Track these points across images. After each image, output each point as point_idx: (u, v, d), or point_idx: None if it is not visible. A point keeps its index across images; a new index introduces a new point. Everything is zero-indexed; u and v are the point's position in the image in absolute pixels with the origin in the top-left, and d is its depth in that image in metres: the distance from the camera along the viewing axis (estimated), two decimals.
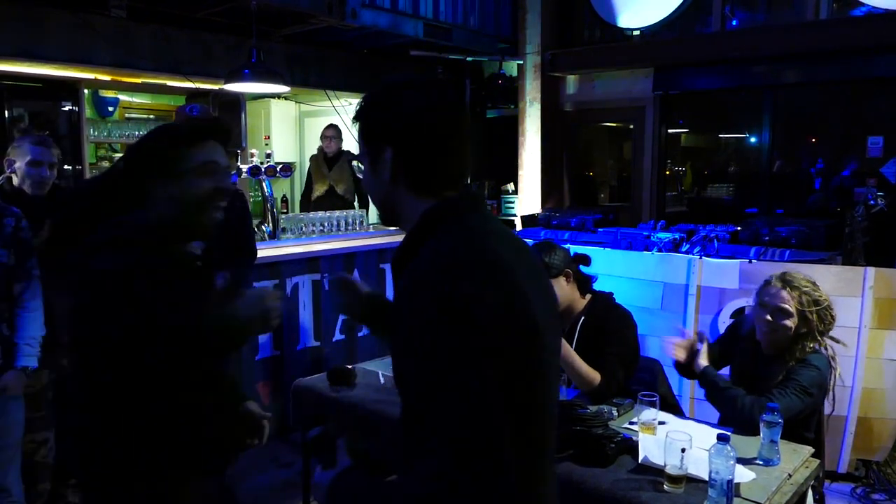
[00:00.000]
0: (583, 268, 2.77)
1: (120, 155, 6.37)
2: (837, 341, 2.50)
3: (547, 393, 1.11)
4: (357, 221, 5.10)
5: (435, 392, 0.95)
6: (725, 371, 2.68)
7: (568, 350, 2.53)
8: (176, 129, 1.70)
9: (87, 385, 1.48)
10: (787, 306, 2.40)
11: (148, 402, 1.44)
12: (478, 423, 0.94)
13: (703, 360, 2.52)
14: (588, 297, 2.73)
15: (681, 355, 2.64)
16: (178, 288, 1.47)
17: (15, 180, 2.81)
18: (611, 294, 2.81)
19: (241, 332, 1.52)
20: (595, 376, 2.54)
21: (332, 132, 5.82)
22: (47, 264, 2.51)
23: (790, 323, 2.40)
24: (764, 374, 2.45)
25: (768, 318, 2.43)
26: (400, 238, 1.13)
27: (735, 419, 2.31)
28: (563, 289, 2.63)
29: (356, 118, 1.18)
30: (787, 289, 2.42)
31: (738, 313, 3.57)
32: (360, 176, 1.22)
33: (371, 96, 1.17)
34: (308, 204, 5.92)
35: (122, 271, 1.39)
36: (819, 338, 2.42)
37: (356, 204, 5.82)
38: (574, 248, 3.19)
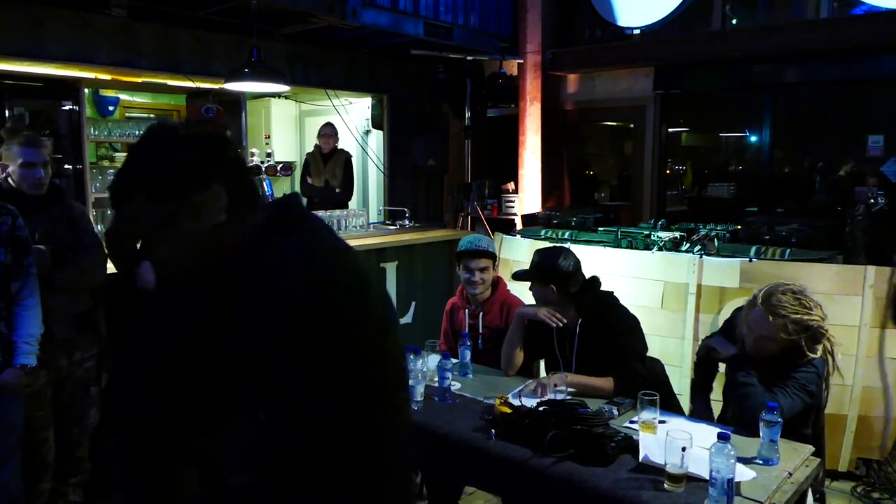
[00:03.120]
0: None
1: (120, 154, 6.38)
2: (832, 339, 2.40)
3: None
4: (357, 221, 5.10)
5: None
6: None
7: (572, 376, 2.62)
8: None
9: None
10: (770, 335, 2.30)
11: None
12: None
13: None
14: (586, 300, 2.77)
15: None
16: None
17: (11, 181, 2.80)
18: (610, 293, 2.83)
19: None
20: (607, 383, 2.59)
21: (329, 130, 6.06)
22: None
23: (774, 347, 2.32)
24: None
25: (753, 341, 2.36)
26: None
27: (742, 415, 2.28)
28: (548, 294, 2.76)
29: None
30: (772, 317, 2.27)
31: (739, 311, 3.56)
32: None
33: None
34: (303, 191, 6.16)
35: None
36: (809, 353, 2.30)
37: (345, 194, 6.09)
38: (578, 250, 3.21)
